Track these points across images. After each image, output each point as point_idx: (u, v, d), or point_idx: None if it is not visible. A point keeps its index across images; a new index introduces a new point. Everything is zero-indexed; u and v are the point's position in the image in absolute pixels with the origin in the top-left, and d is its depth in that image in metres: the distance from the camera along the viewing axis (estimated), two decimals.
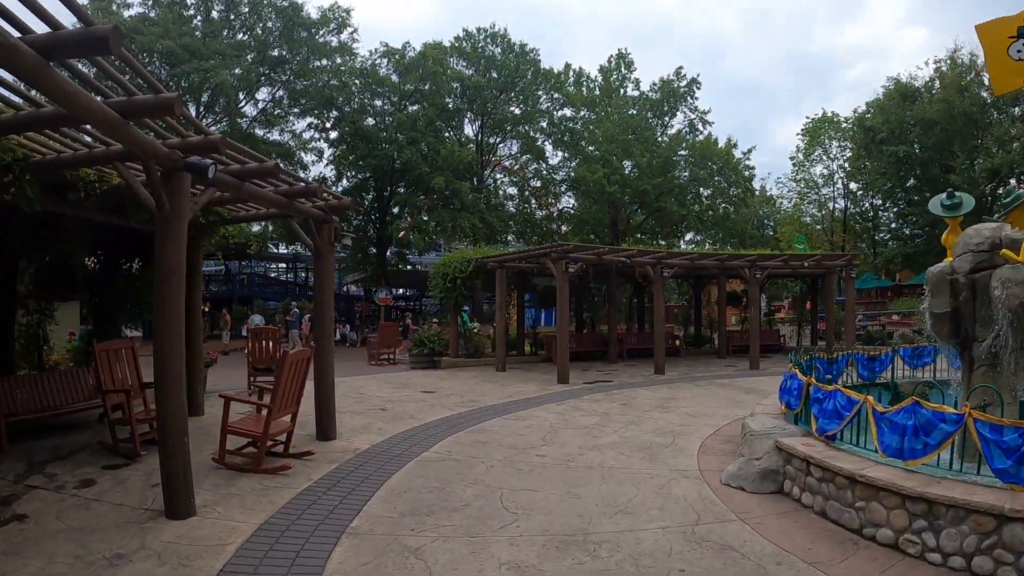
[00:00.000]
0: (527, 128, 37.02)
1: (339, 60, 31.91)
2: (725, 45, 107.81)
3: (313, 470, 7.08)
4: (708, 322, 26.26)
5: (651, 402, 11.92)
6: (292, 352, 7.06)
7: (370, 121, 31.56)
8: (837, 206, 43.92)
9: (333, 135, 32.65)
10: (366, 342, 25.77)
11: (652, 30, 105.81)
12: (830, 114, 43.25)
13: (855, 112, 40.26)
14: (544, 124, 38.15)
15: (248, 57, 30.17)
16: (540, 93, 37.81)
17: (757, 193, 44.92)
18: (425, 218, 32.54)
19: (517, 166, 40.26)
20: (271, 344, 12.65)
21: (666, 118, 39.66)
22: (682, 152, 37.59)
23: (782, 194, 47.62)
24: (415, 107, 31.44)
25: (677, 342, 23.16)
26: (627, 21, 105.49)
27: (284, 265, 49.67)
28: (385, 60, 33.15)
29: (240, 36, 31.22)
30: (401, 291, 51.52)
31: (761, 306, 27.93)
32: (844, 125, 41.76)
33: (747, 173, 39.59)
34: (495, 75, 35.50)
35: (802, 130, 44.21)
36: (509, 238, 36.78)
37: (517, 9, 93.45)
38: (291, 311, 28.26)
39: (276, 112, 33.17)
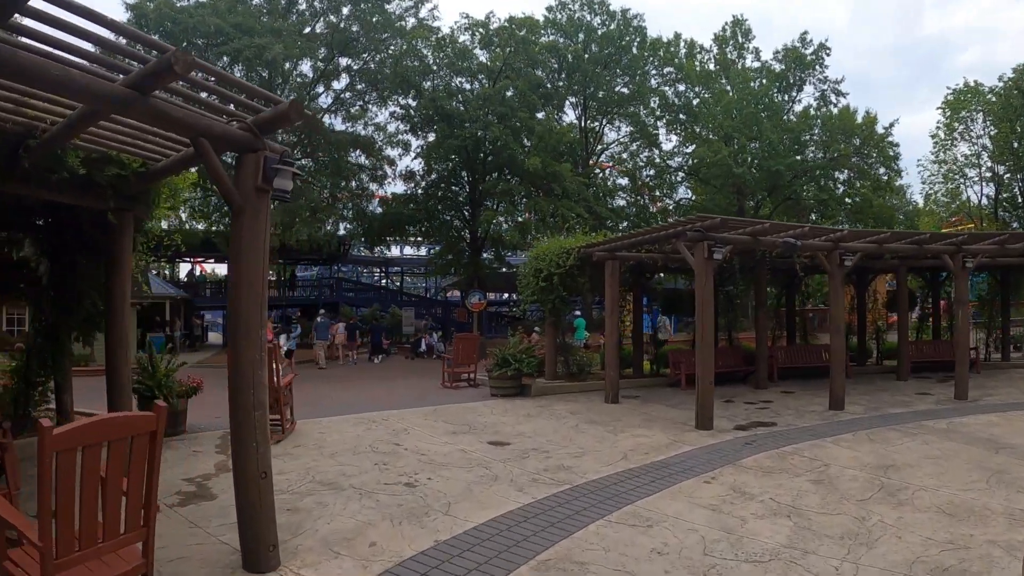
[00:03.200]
0: (637, 107, 32.08)
1: (416, 38, 27.97)
2: (829, 36, 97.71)
3: None
4: (874, 330, 20.42)
5: (859, 475, 7.03)
6: (67, 427, 2.88)
7: (455, 104, 27.57)
8: (977, 191, 35.84)
9: (415, 117, 28.75)
10: None
11: (752, 23, 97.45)
12: (972, 83, 35.05)
13: (1001, 80, 32.39)
14: (654, 104, 33.10)
15: (320, 51, 27.11)
16: (649, 68, 32.77)
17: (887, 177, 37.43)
18: (523, 215, 28.32)
19: (626, 155, 35.50)
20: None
21: (793, 92, 33.51)
22: (815, 130, 31.69)
23: (924, 179, 39.51)
24: (504, 81, 27.13)
25: None
26: (724, 15, 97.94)
27: (378, 270, 47.00)
28: (468, 35, 29.19)
29: (315, 25, 28.02)
30: (504, 295, 47.83)
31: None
32: (989, 96, 33.59)
33: (891, 151, 32.79)
34: (595, 48, 30.84)
35: (943, 103, 36.12)
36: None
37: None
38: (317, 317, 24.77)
39: (356, 105, 29.90)
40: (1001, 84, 32.06)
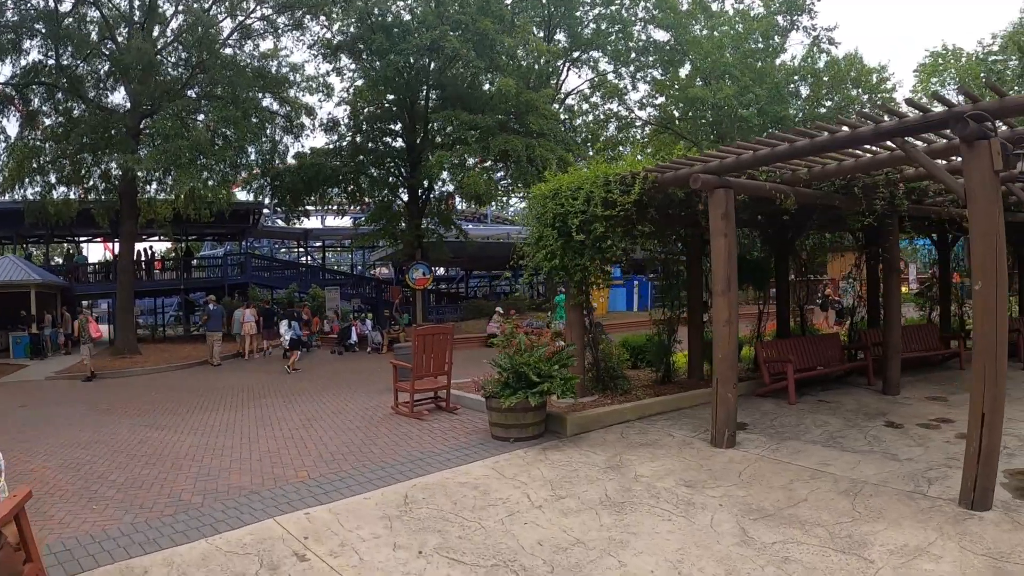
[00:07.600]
0: (617, 39, 26.52)
1: None
2: None
3: None
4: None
5: None
6: None
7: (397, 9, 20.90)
8: None
9: (338, 39, 21.86)
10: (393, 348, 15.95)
11: None
12: (951, 47, 30.25)
13: (981, 44, 27.86)
14: (622, 47, 27.73)
15: None
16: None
17: None
18: (483, 161, 22.19)
19: (586, 105, 30.38)
20: None
21: (776, 38, 28.32)
22: (809, 78, 27.83)
23: None
24: None
25: None
26: None
27: (297, 245, 40.01)
28: None
29: None
30: (445, 270, 41.90)
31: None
32: (967, 62, 28.70)
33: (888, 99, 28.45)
34: None
35: (919, 67, 31.31)
36: None
37: None
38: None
39: (267, 35, 23.03)
40: (981, 48, 27.39)
